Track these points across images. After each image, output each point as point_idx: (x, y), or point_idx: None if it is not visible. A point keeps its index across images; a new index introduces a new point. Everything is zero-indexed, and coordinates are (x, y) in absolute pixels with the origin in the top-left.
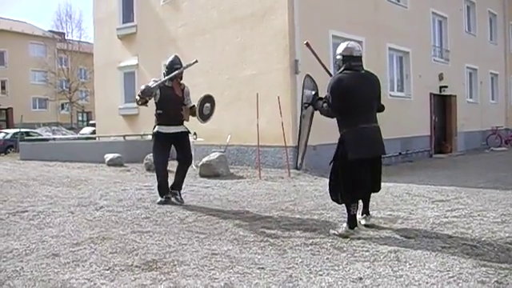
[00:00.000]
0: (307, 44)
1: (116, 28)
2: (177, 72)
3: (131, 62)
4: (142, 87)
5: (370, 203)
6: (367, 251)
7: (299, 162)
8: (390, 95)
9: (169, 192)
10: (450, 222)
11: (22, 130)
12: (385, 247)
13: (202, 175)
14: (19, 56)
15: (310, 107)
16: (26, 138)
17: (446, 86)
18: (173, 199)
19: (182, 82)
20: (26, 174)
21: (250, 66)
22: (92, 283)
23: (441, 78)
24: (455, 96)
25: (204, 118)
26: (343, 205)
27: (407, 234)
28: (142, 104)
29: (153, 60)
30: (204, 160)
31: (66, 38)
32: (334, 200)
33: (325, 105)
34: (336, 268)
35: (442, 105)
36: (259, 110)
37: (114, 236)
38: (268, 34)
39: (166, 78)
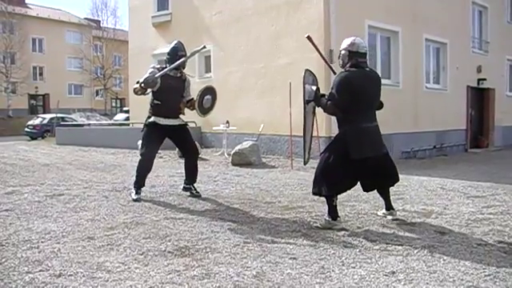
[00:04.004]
0: (308, 37)
1: (151, 16)
2: (182, 60)
3: (165, 49)
4: (146, 76)
5: (404, 196)
6: (400, 245)
7: (306, 157)
8: (426, 87)
9: (144, 185)
10: (486, 218)
11: (58, 115)
12: (418, 242)
13: (234, 163)
14: (56, 43)
15: (312, 102)
16: (62, 123)
17: (484, 79)
18: (188, 193)
19: (184, 71)
20: (61, 158)
21: (284, 54)
22: (126, 267)
23: (479, 70)
24: (494, 89)
25: (204, 111)
26: (374, 197)
27: (441, 229)
28: (140, 94)
29: (187, 48)
30: (236, 148)
31: (101, 25)
32: (315, 193)
33: (329, 102)
34: (368, 261)
35: (480, 98)
36: (292, 100)
37: (148, 221)
38: (303, 23)
39: (171, 66)
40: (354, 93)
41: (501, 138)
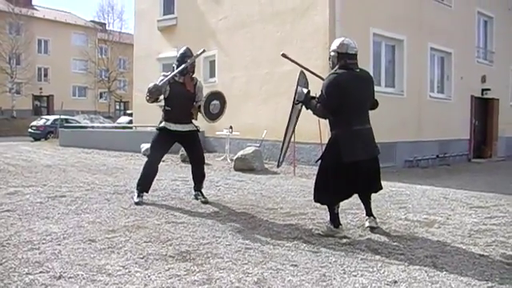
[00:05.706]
0: (283, 55)
1: (156, 20)
2: (185, 65)
3: (170, 53)
4: (150, 85)
5: (406, 205)
6: (402, 254)
7: (280, 159)
8: (430, 96)
9: (147, 190)
10: (489, 229)
11: (62, 116)
12: (421, 251)
13: (236, 169)
14: (61, 45)
15: (299, 105)
16: (65, 124)
17: (488, 89)
18: (197, 200)
19: (194, 76)
20: (64, 160)
21: (289, 61)
22: (126, 270)
23: (483, 80)
24: (498, 99)
25: (212, 117)
26: (376, 205)
27: (444, 239)
28: (152, 102)
29: (192, 52)
30: (239, 154)
31: (107, 28)
32: (317, 201)
33: (318, 105)
34: (370, 270)
35: (484, 108)
36: None
37: (149, 225)
38: (308, 30)
39: (175, 72)
40: (342, 94)
41: (504, 149)
